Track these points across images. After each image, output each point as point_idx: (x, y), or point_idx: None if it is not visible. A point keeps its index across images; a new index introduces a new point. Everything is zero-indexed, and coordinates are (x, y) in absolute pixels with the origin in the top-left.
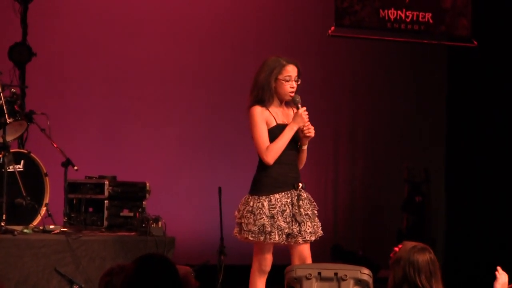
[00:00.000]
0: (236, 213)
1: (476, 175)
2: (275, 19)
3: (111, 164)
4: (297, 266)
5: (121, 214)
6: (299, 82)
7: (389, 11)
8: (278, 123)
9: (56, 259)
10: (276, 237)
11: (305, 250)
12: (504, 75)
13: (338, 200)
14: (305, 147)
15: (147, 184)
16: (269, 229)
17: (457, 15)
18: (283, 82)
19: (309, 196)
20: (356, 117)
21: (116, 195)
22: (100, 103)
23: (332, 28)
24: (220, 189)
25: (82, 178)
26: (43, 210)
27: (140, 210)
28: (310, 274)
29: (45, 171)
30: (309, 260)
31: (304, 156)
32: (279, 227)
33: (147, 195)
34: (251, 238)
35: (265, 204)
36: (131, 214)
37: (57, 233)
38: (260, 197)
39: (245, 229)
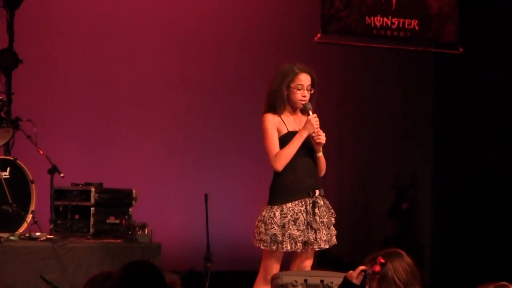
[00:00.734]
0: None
1: (464, 181)
2: (262, 25)
3: (97, 171)
4: (283, 273)
5: (107, 221)
6: (312, 91)
7: (375, 18)
8: (289, 130)
9: (43, 266)
10: (288, 246)
11: (308, 260)
12: (489, 81)
13: None
14: (320, 154)
15: (134, 191)
16: (280, 238)
17: (443, 21)
18: (295, 90)
19: (327, 203)
20: (343, 123)
21: (102, 202)
22: (87, 110)
23: (319, 35)
24: (206, 195)
25: (68, 185)
26: (29, 217)
27: (126, 217)
28: (296, 281)
29: (31, 178)
30: (307, 269)
31: (321, 163)
32: (290, 235)
33: (133, 202)
34: (263, 247)
35: (277, 213)
36: (118, 221)
37: (43, 240)
38: (273, 207)
39: (257, 238)
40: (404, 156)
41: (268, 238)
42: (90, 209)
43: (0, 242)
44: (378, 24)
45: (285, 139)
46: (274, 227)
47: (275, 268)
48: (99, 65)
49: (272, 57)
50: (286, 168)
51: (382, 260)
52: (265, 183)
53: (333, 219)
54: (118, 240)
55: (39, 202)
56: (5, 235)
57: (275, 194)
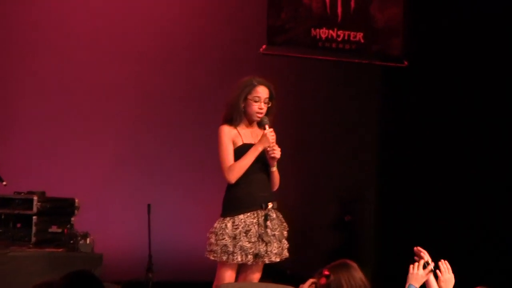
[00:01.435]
0: None
1: (408, 193)
2: (207, 37)
3: (40, 180)
4: (225, 285)
5: (50, 230)
6: (269, 105)
7: (321, 30)
8: (245, 143)
9: None
10: (239, 258)
11: (257, 272)
12: (434, 93)
13: None
14: (274, 169)
15: (76, 200)
16: (231, 249)
17: (389, 35)
18: (252, 102)
19: (280, 216)
20: (287, 135)
21: (44, 211)
22: (30, 118)
23: (264, 46)
24: (149, 206)
25: (11, 193)
26: None
27: (68, 226)
28: None
29: None
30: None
31: (275, 177)
32: (242, 247)
33: (76, 211)
34: (213, 258)
35: (228, 225)
36: (60, 230)
37: None
38: (225, 219)
39: (208, 249)
40: (348, 168)
41: (219, 248)
42: (32, 218)
43: None
44: (323, 36)
45: (240, 151)
46: (225, 237)
47: (227, 279)
48: (44, 74)
49: (217, 68)
50: (239, 180)
51: (327, 272)
52: (209, 194)
53: (285, 232)
54: (60, 250)
55: None
56: None
57: (228, 206)
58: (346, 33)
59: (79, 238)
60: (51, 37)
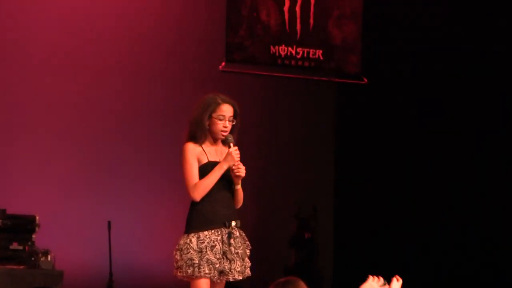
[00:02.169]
0: None
1: (365, 211)
2: (167, 53)
3: (0, 197)
4: None
5: (11, 247)
6: (234, 123)
7: (280, 48)
8: (210, 160)
9: None
10: (206, 269)
11: None
12: (390, 111)
13: None
14: (238, 187)
15: (37, 217)
16: (197, 261)
17: (347, 52)
18: (217, 120)
19: (243, 234)
20: (245, 152)
21: (5, 228)
22: None
23: (223, 63)
24: (109, 223)
25: None
26: None
27: (29, 243)
28: None
29: None
30: None
31: (238, 195)
32: (208, 260)
33: (37, 228)
34: (179, 274)
35: (193, 240)
36: (21, 247)
37: None
38: (189, 235)
39: (175, 267)
40: (306, 185)
41: (184, 263)
42: None
43: None
44: (282, 53)
45: (205, 169)
46: (190, 251)
47: None
48: (3, 87)
49: (177, 85)
50: (203, 198)
51: None
52: (170, 210)
53: (248, 251)
54: (21, 266)
55: None
56: None
57: (192, 222)
58: (305, 50)
59: (40, 255)
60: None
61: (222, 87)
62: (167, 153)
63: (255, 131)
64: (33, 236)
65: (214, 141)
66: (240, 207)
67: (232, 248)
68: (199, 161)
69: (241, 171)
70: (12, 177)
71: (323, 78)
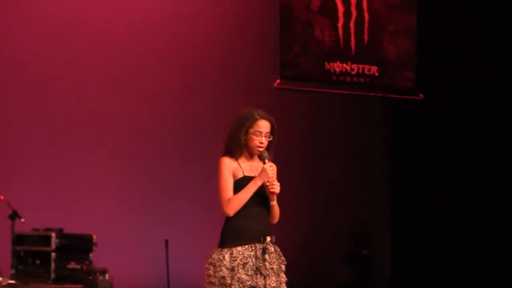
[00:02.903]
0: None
1: (423, 227)
2: (222, 70)
3: (57, 216)
4: None
5: (68, 266)
6: (270, 139)
7: (335, 64)
8: (245, 175)
9: None
10: None
11: None
12: (447, 126)
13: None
14: (273, 203)
15: (94, 237)
16: (229, 281)
17: (401, 68)
18: (253, 136)
19: (278, 250)
20: (300, 169)
21: (62, 247)
22: (47, 155)
23: (278, 80)
24: (166, 241)
25: (29, 230)
26: None
27: (87, 262)
28: None
29: None
30: None
31: (275, 211)
32: (239, 279)
33: (94, 247)
34: None
35: (226, 256)
36: (78, 267)
37: (5, 286)
38: (222, 250)
39: (206, 281)
40: (362, 201)
41: (217, 281)
42: (50, 255)
43: None
44: (337, 70)
45: (240, 184)
46: (223, 269)
47: None
48: (57, 107)
49: (230, 102)
50: (237, 213)
51: None
52: None
53: (283, 266)
54: (79, 286)
55: (0, 247)
56: None
57: (226, 237)
58: (360, 66)
59: (97, 274)
60: (53, 75)
61: (275, 103)
62: None
63: (309, 148)
64: (90, 255)
65: (250, 156)
66: (293, 222)
67: (267, 264)
68: (234, 176)
69: (275, 187)
70: (69, 196)
71: (378, 94)
